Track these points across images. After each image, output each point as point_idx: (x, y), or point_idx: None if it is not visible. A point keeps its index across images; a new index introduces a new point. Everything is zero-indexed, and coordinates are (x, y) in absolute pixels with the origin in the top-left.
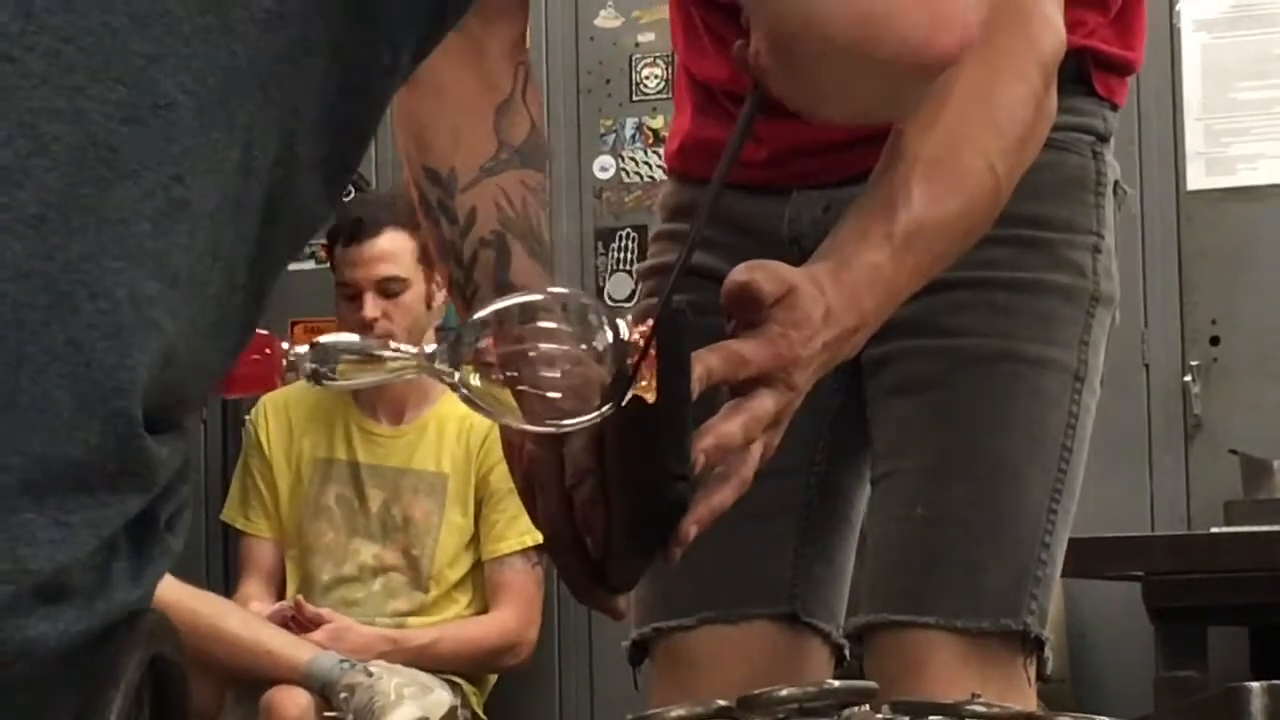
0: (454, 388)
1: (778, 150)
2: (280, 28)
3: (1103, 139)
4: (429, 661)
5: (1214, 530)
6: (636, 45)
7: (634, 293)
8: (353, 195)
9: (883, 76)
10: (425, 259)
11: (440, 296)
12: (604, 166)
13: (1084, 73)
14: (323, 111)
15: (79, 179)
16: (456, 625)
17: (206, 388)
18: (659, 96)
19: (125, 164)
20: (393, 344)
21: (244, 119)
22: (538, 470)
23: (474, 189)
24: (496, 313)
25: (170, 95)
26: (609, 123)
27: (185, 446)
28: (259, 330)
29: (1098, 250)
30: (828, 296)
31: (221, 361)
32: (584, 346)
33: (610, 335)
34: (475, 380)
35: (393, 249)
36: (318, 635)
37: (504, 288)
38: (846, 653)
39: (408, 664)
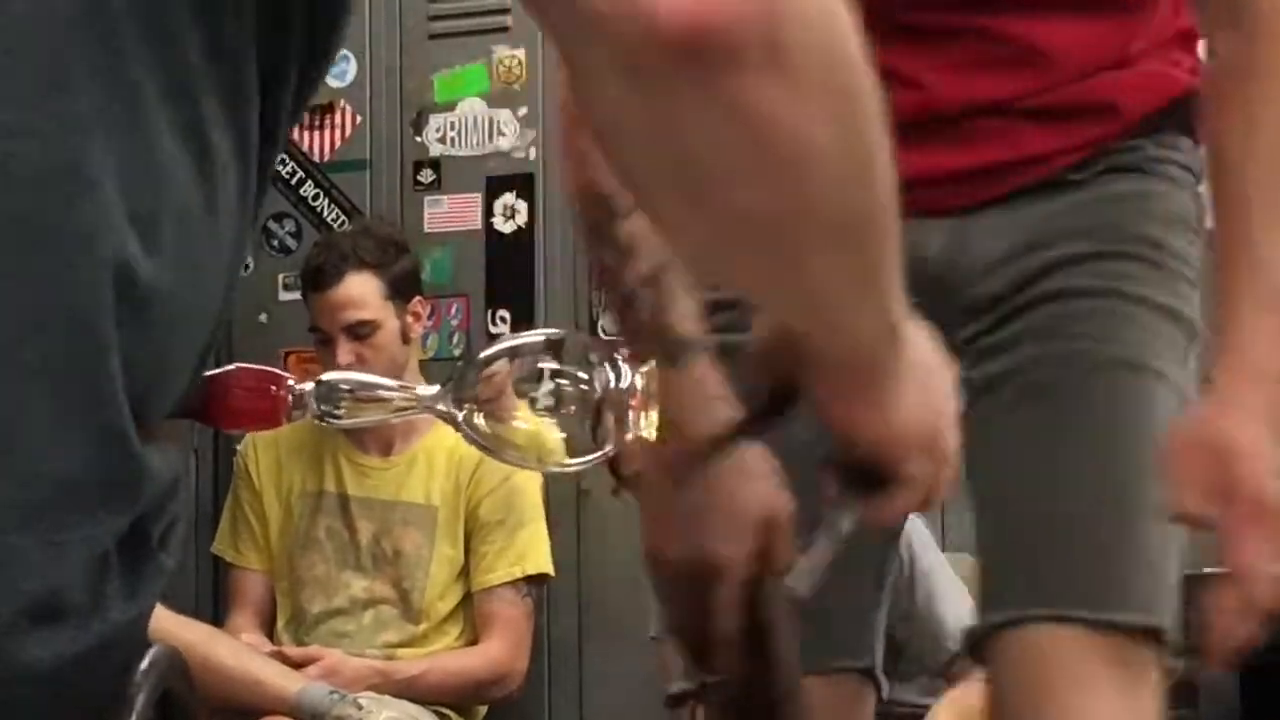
0: (457, 427)
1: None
2: (231, 60)
3: (1199, 181)
4: (419, 693)
5: (1206, 570)
6: None
7: None
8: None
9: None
10: (394, 295)
11: (417, 329)
12: None
13: (1193, 113)
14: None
15: (48, 195)
16: (446, 657)
17: (180, 395)
18: None
19: (83, 178)
20: (396, 383)
21: (198, 131)
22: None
23: (637, 216)
24: (498, 352)
25: (113, 110)
26: None
27: (175, 461)
28: (266, 367)
29: (1194, 287)
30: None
31: (193, 371)
32: (584, 387)
33: (611, 376)
34: (478, 420)
35: (358, 293)
36: (311, 671)
37: (662, 328)
38: (883, 692)
39: (397, 696)
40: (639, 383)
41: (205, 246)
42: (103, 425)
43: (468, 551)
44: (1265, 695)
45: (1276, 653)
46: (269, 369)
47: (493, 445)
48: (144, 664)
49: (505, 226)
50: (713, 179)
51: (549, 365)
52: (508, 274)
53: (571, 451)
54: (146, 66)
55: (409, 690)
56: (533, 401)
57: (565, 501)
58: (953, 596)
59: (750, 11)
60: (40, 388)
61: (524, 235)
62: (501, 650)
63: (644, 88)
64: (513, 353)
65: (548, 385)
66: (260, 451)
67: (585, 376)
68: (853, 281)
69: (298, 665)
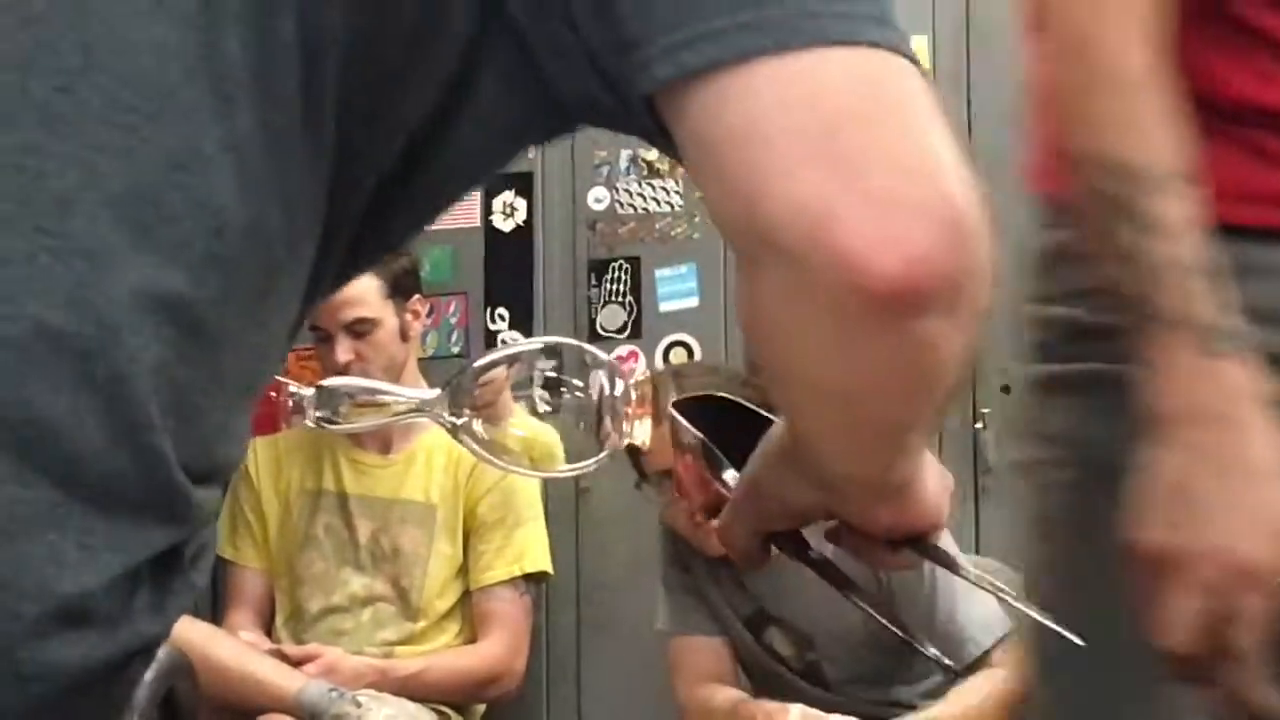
0: (453, 433)
1: None
2: (317, 126)
3: None
4: (418, 691)
5: None
6: None
7: (625, 324)
8: None
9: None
10: (394, 293)
11: (416, 327)
12: (598, 198)
13: None
14: (327, 210)
15: (126, 216)
16: (445, 655)
17: (240, 450)
18: None
19: (167, 209)
20: (395, 388)
21: (284, 190)
22: None
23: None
24: (495, 359)
25: (211, 151)
26: (603, 154)
27: (221, 495)
28: None
29: None
30: None
31: (249, 420)
32: (580, 394)
33: (606, 383)
34: (476, 426)
35: (357, 291)
36: (310, 669)
37: (1193, 314)
38: None
39: (396, 693)
40: (633, 390)
41: (270, 306)
42: (144, 446)
43: (466, 550)
44: None
45: None
46: None
47: (489, 451)
48: None
49: (504, 224)
50: (866, 394)
51: (546, 372)
52: (507, 272)
53: (568, 457)
54: (254, 117)
55: (408, 688)
56: (530, 407)
57: (564, 499)
58: (974, 601)
59: (949, 268)
60: (95, 402)
61: (523, 233)
62: (500, 649)
63: (829, 318)
64: (510, 360)
65: (544, 392)
66: (259, 450)
67: (581, 384)
68: (924, 437)
69: (297, 663)
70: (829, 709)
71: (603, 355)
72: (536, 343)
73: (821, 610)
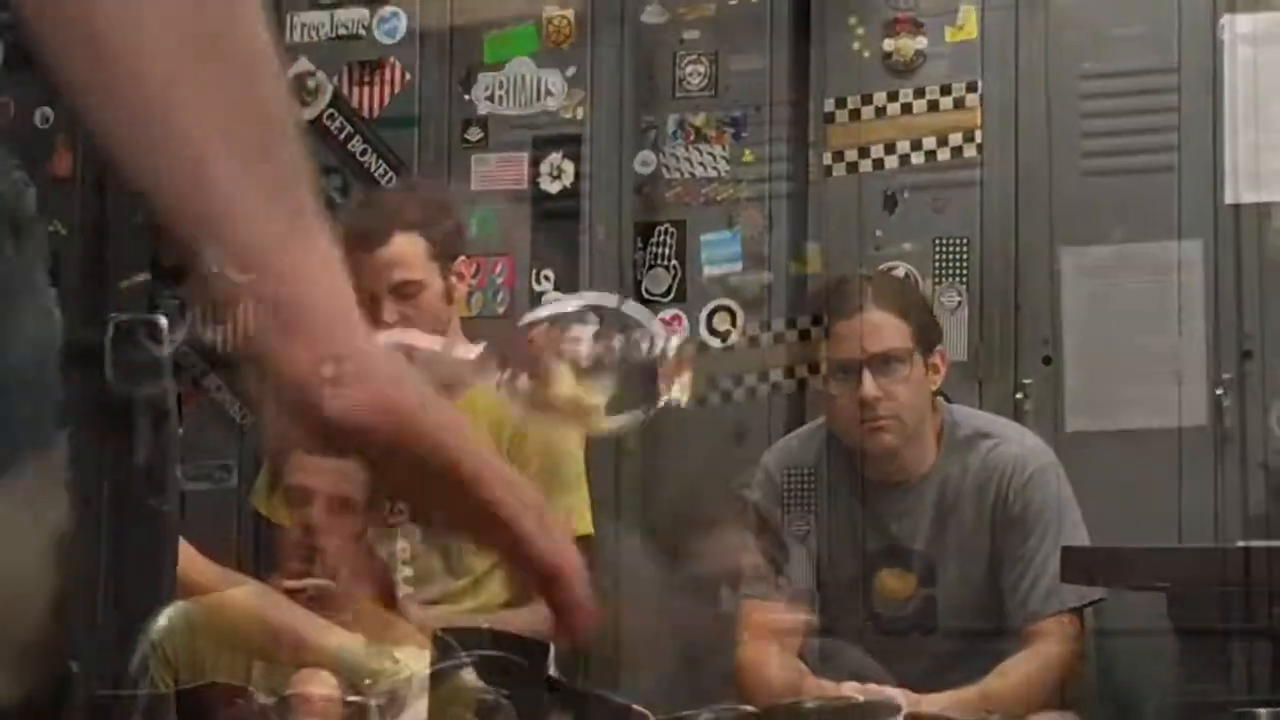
0: (495, 390)
1: None
2: None
3: None
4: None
5: (1241, 544)
6: (681, 42)
7: (670, 288)
8: (361, 197)
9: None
10: (439, 255)
11: (461, 289)
12: (645, 161)
13: None
14: None
15: None
16: (517, 611)
17: None
18: (701, 94)
19: None
20: (439, 343)
21: None
22: None
23: None
24: (539, 318)
25: None
26: (650, 118)
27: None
28: None
29: None
30: None
31: None
32: (622, 351)
33: (646, 342)
34: (519, 383)
35: (402, 253)
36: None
37: None
38: None
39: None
40: (672, 350)
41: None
42: None
43: None
44: None
45: None
46: None
47: (533, 407)
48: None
49: (551, 186)
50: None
51: (589, 329)
52: (553, 233)
53: (611, 413)
54: None
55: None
56: (573, 365)
57: (602, 462)
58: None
59: None
60: None
61: (569, 195)
62: None
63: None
64: (553, 317)
65: (588, 349)
66: None
67: (623, 341)
68: None
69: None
70: (917, 661)
71: (642, 315)
72: (579, 300)
73: (953, 547)
